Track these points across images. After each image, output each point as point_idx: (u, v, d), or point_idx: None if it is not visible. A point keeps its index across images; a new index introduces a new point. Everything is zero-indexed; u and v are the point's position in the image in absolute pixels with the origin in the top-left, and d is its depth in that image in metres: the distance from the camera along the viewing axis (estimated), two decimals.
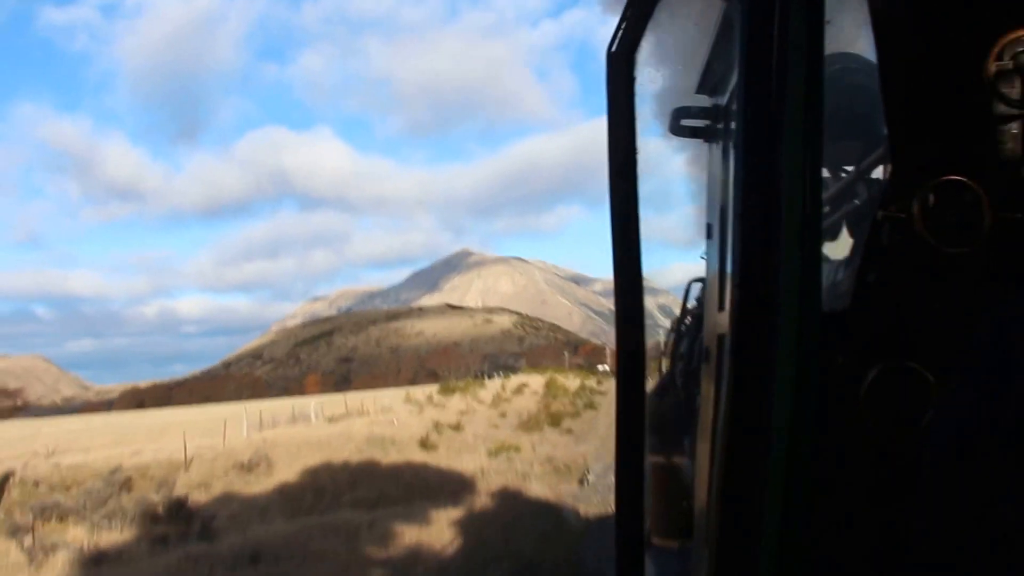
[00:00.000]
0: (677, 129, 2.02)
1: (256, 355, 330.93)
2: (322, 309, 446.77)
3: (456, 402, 33.43)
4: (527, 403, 31.00)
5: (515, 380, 51.41)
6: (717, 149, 1.93)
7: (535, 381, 52.46)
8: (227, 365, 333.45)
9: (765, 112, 1.17)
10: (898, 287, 1.12)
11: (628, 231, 1.46)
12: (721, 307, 1.61)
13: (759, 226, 1.17)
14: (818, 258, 1.16)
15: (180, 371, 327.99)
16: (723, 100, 1.93)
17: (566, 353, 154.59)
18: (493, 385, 47.44)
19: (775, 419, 1.11)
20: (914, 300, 1.10)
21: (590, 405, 30.88)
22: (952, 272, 1.05)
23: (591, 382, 51.72)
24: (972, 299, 0.99)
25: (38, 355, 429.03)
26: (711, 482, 1.34)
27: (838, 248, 1.71)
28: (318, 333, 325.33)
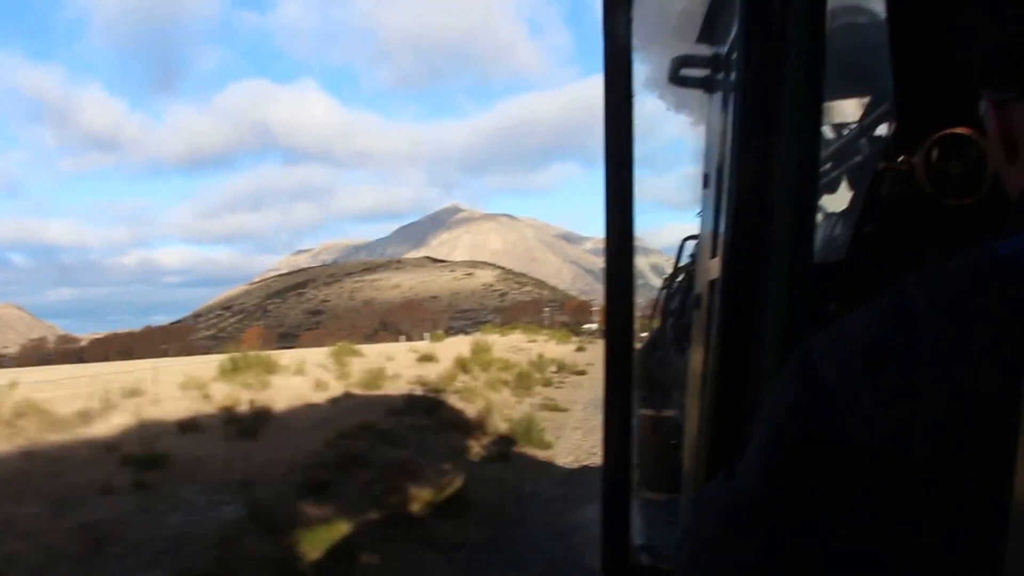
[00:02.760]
0: (677, 79, 1.99)
1: (226, 306, 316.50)
2: (306, 262, 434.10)
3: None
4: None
5: (457, 341, 36.24)
6: (717, 99, 1.94)
7: (478, 344, 38.43)
8: (196, 316, 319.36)
9: (765, 61, 1.17)
10: (896, 238, 1.14)
11: (620, 184, 1.43)
12: (714, 254, 1.58)
13: (755, 173, 1.18)
14: (813, 207, 1.16)
15: (160, 321, 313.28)
16: (724, 49, 1.94)
17: (546, 310, 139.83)
18: (421, 347, 32.59)
19: (763, 366, 1.12)
20: (912, 251, 1.09)
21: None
22: (952, 223, 1.04)
23: (564, 349, 36.99)
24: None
25: (11, 303, 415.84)
26: (699, 433, 1.37)
27: (838, 200, 1.72)
28: (292, 284, 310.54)
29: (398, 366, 19.56)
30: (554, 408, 15.17)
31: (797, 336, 1.07)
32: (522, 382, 18.05)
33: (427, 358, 22.05)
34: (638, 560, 1.70)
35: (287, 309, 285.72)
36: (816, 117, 1.14)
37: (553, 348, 36.81)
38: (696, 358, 1.66)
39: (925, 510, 0.56)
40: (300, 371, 17.13)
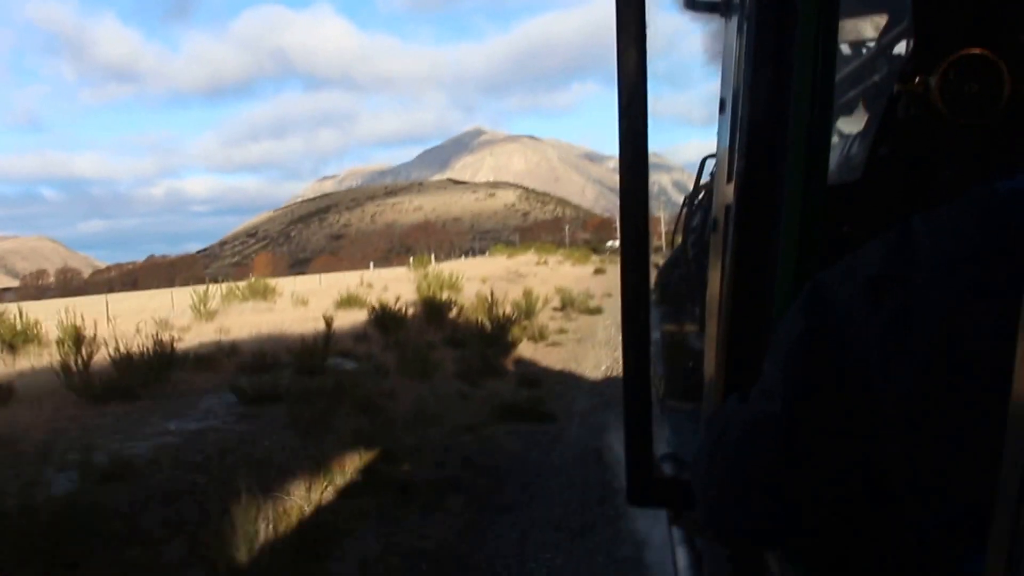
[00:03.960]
0: (692, 3, 1.90)
1: (251, 233, 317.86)
2: (331, 188, 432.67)
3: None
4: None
5: (450, 266, 33.58)
6: (733, 23, 1.86)
7: (487, 267, 35.78)
8: (223, 244, 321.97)
9: None
10: (911, 159, 1.15)
11: (634, 104, 1.41)
12: (729, 179, 1.55)
13: (768, 99, 1.19)
14: (827, 133, 1.17)
15: (192, 249, 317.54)
16: None
17: (566, 228, 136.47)
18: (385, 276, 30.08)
19: (777, 290, 1.15)
20: (927, 172, 1.12)
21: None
22: (967, 144, 1.07)
23: (579, 272, 34.30)
24: (986, 171, 0.99)
25: (45, 236, 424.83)
26: (716, 353, 1.38)
27: (856, 121, 1.70)
28: (315, 210, 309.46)
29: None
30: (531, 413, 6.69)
31: (810, 260, 1.11)
32: (473, 352, 9.43)
33: (349, 302, 15.35)
34: (661, 471, 1.66)
35: (310, 234, 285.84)
36: (830, 39, 1.14)
37: (567, 271, 34.02)
38: (713, 280, 1.63)
39: (918, 433, 0.60)
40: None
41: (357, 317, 12.72)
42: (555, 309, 16.06)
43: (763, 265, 1.19)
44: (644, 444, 1.50)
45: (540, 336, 11.92)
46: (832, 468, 0.67)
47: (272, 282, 19.78)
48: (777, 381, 0.71)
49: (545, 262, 37.22)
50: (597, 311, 16.43)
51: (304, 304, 17.04)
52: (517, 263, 37.60)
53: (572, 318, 15.29)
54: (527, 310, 13.36)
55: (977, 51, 1.00)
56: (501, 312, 11.57)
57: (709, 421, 0.84)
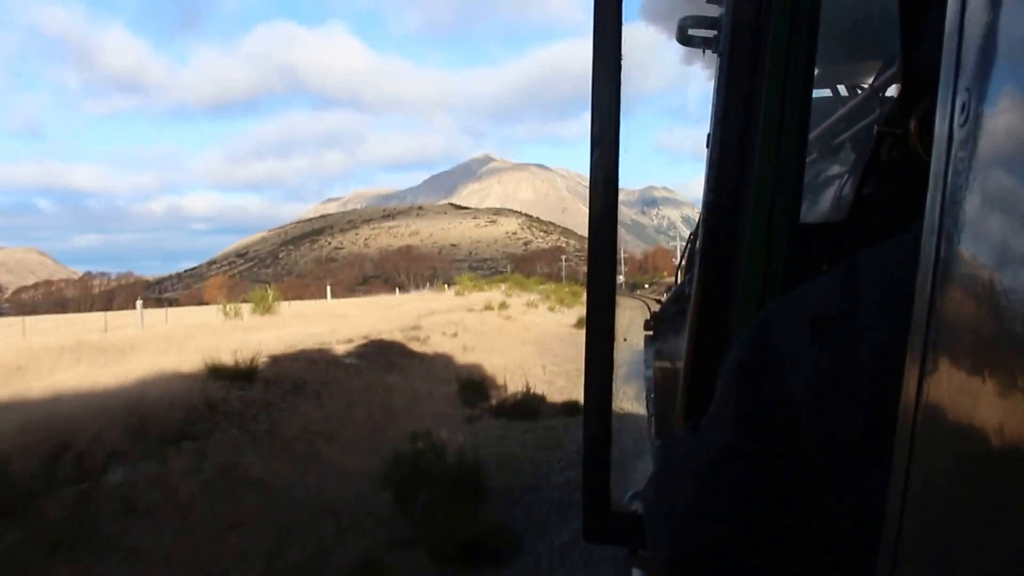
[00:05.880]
0: (685, 39, 1.98)
1: (240, 253, 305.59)
2: (334, 210, 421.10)
3: None
4: None
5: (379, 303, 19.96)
6: (719, 60, 1.92)
7: (409, 307, 22.04)
8: (211, 263, 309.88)
9: (750, 23, 1.19)
10: (892, 200, 1.16)
11: (605, 136, 1.39)
12: (705, 215, 1.59)
13: (738, 136, 1.20)
14: (797, 170, 1.18)
15: (187, 267, 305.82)
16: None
17: (562, 259, 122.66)
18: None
19: (736, 321, 1.16)
20: (906, 213, 1.12)
21: None
22: None
23: (550, 322, 20.62)
24: None
25: (33, 248, 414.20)
26: (681, 380, 1.39)
27: (845, 164, 1.75)
28: (309, 232, 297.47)
29: None
30: None
31: (771, 298, 1.12)
32: None
33: None
34: (620, 508, 1.58)
35: (298, 256, 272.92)
36: (802, 81, 1.15)
37: (535, 321, 20.45)
38: (689, 315, 1.66)
39: (861, 472, 0.58)
40: None
41: None
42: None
43: (725, 300, 1.19)
44: (601, 479, 1.45)
45: None
46: (761, 501, 0.66)
47: None
48: (720, 410, 0.71)
49: (503, 305, 22.39)
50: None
51: None
52: (466, 302, 23.84)
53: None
54: None
55: None
56: None
57: (660, 449, 0.86)
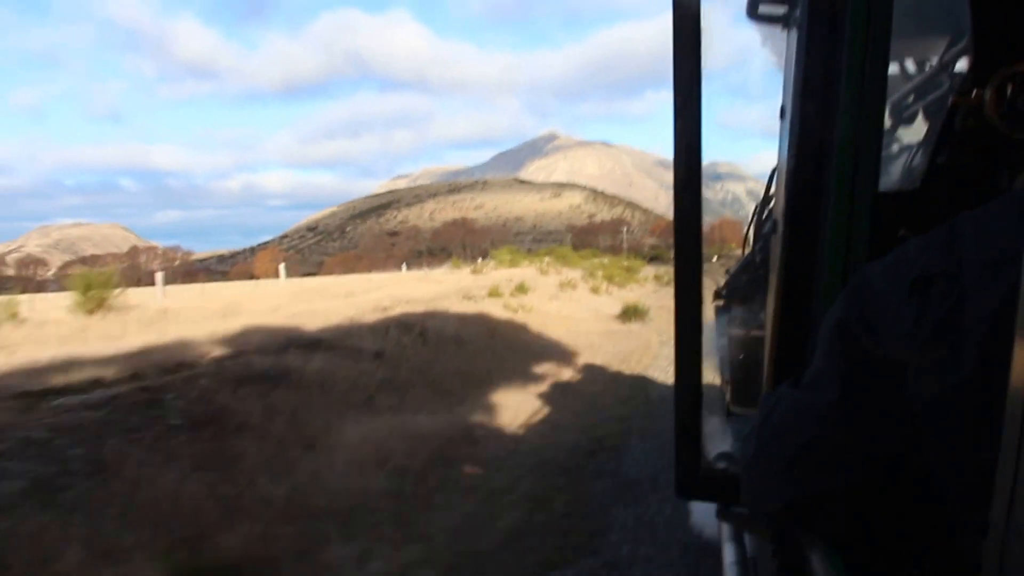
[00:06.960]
0: (755, 15, 1.98)
1: (311, 228, 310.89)
2: (404, 186, 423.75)
3: None
4: None
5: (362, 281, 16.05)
6: (792, 35, 1.90)
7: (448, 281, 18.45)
8: (283, 237, 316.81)
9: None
10: (966, 169, 1.17)
11: (688, 110, 1.43)
12: (785, 184, 1.58)
13: (818, 109, 1.20)
14: (875, 141, 1.18)
15: (263, 240, 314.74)
16: None
17: (623, 230, 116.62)
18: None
19: (821, 290, 1.18)
20: (981, 181, 1.15)
21: None
22: (1020, 155, 1.09)
23: (593, 307, 17.00)
24: None
25: (117, 224, 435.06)
26: (768, 343, 1.39)
27: (917, 134, 1.73)
28: (376, 206, 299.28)
29: None
30: None
31: (854, 263, 1.13)
32: None
33: None
34: (711, 467, 1.65)
35: (365, 230, 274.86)
36: (879, 54, 1.15)
37: (557, 311, 16.09)
38: (772, 282, 1.69)
39: (970, 429, 0.58)
40: None
41: None
42: None
43: (810, 266, 1.22)
44: (693, 438, 1.50)
45: None
46: (862, 456, 0.68)
47: None
48: (822, 368, 0.72)
49: (520, 289, 17.09)
50: None
51: None
52: (475, 283, 19.42)
53: None
54: None
55: None
56: None
57: (760, 404, 0.89)
